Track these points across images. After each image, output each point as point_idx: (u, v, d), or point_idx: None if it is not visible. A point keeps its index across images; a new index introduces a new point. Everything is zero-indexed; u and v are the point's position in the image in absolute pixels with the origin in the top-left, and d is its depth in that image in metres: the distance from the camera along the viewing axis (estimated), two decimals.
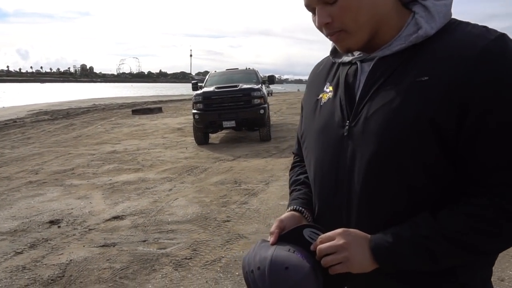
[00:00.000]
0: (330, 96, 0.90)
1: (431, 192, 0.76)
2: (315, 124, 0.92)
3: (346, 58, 0.90)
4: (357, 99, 0.83)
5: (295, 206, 0.96)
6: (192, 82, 10.33)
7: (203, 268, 3.04)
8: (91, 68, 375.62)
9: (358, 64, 0.86)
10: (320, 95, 0.94)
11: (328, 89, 0.92)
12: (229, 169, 6.39)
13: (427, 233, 0.73)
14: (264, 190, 5.07)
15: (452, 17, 0.79)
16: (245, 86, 9.05)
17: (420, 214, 0.75)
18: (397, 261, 0.76)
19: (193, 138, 9.13)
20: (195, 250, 3.36)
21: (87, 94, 50.55)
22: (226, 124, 8.67)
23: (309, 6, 0.83)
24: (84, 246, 3.58)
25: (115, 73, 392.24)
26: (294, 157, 1.18)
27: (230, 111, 8.65)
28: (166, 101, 27.01)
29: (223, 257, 3.20)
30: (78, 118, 16.21)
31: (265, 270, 0.77)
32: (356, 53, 0.88)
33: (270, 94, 11.02)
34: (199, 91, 9.18)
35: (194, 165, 6.73)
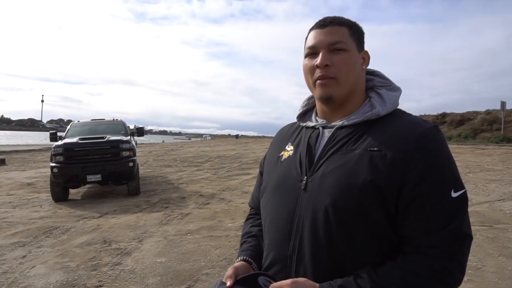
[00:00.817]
0: (291, 154, 1.05)
1: (373, 248, 0.89)
2: (275, 177, 1.05)
3: (310, 123, 1.07)
4: (315, 158, 0.98)
5: (244, 257, 1.05)
6: (51, 132, 9.37)
7: None
8: None
9: (320, 129, 1.03)
10: (282, 153, 1.08)
11: (290, 148, 1.07)
12: (96, 227, 5.86)
13: (369, 287, 0.84)
14: (138, 248, 4.80)
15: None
16: (113, 137, 8.63)
17: (364, 268, 0.87)
18: None
19: (49, 194, 8.13)
20: None
21: None
22: (90, 178, 8.02)
23: (315, 48, 0.99)
24: None
25: None
26: (250, 209, 1.27)
27: (95, 164, 8.07)
28: (10, 152, 23.36)
29: None
30: None
31: None
32: (320, 120, 1.06)
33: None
34: (59, 142, 8.36)
35: (53, 226, 5.97)
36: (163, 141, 55.26)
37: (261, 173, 1.19)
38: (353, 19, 1.04)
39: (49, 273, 4.02)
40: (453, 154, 0.94)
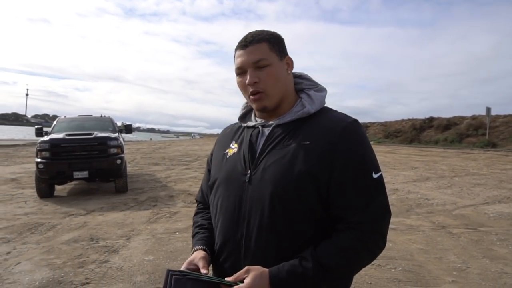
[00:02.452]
0: (235, 151, 1.16)
1: (311, 229, 1.03)
2: (222, 172, 1.15)
3: (250, 123, 1.19)
4: (257, 154, 1.10)
5: (202, 246, 1.14)
6: (36, 127, 9.19)
7: None
8: None
9: (260, 128, 1.16)
10: (227, 150, 1.19)
11: (234, 145, 1.18)
12: (82, 224, 5.80)
13: (312, 265, 0.97)
14: (125, 246, 4.76)
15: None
16: (101, 134, 8.54)
17: (307, 249, 1.01)
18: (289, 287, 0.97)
19: (34, 190, 8.01)
20: None
21: None
22: (77, 174, 7.91)
23: (242, 68, 1.10)
24: None
25: None
26: (197, 204, 1.36)
27: (82, 160, 7.96)
28: None
29: None
30: None
31: None
32: (259, 120, 1.17)
33: None
34: (45, 138, 8.21)
35: (39, 222, 5.88)
36: (151, 139, 54.78)
37: (208, 171, 1.29)
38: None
39: (34, 269, 3.96)
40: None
